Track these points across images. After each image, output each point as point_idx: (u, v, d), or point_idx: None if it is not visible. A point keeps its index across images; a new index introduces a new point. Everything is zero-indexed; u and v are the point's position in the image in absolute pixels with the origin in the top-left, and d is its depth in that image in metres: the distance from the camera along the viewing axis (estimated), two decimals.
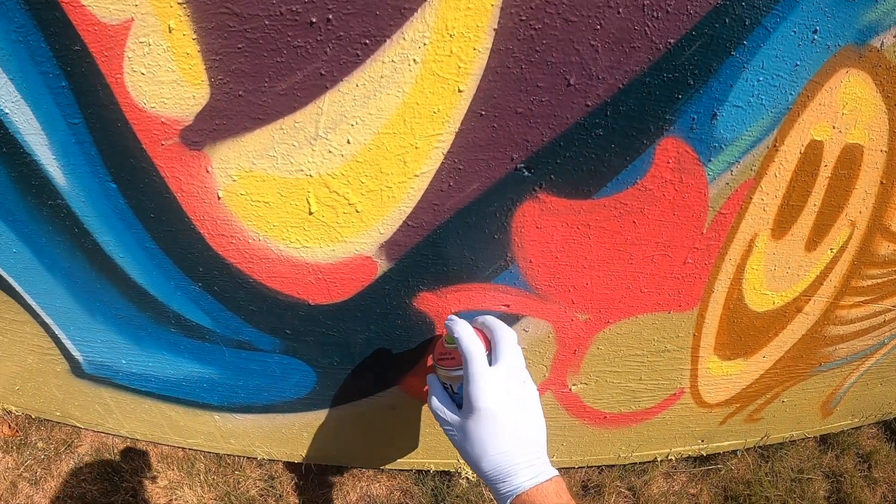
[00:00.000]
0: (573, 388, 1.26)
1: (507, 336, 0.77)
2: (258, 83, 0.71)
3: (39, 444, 1.48)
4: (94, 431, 1.49)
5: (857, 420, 1.78)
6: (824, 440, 1.83)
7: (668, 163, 0.92)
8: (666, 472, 1.65)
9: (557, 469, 0.78)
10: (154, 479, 1.48)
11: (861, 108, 0.99)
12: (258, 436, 1.40)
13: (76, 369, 1.26)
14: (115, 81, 0.74)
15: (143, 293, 1.03)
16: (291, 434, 1.39)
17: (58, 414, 1.45)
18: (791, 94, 0.92)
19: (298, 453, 1.48)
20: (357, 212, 0.85)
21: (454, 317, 0.82)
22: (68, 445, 1.49)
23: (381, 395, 1.25)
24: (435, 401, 0.80)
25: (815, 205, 1.07)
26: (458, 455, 1.22)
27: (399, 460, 1.51)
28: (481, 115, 0.77)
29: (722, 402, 1.43)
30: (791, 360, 1.38)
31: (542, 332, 1.14)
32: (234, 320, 1.06)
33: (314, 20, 0.66)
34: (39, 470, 1.45)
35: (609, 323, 1.13)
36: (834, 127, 0.98)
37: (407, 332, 1.10)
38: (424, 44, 0.69)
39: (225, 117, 0.76)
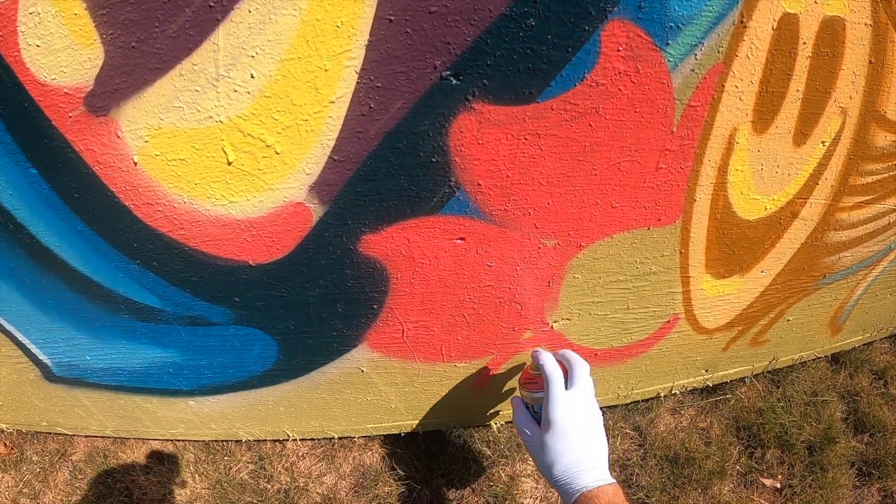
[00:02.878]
0: (554, 325, 1.17)
1: (581, 366, 0.92)
2: (149, 29, 0.66)
3: (35, 458, 1.46)
4: (83, 436, 1.48)
5: (868, 335, 1.68)
6: (836, 359, 1.74)
7: (619, 50, 0.81)
8: (672, 407, 1.57)
9: None
10: (147, 474, 1.45)
11: None
12: (237, 416, 1.36)
13: (47, 374, 1.22)
14: (14, 60, 0.70)
15: (87, 281, 0.98)
16: (268, 410, 1.33)
17: (44, 424, 1.41)
18: None
19: (281, 430, 1.44)
20: (277, 153, 0.78)
21: (540, 349, 0.97)
22: (62, 455, 1.47)
23: (348, 358, 1.18)
24: (519, 417, 0.95)
25: (798, 90, 0.96)
26: (448, 415, 1.37)
27: (385, 424, 1.44)
28: (390, 20, 0.69)
29: (722, 326, 1.33)
30: (792, 274, 1.27)
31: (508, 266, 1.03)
32: (181, 295, 1.00)
33: None
34: (37, 484, 1.44)
35: (581, 247, 1.03)
36: None
37: (359, 283, 1.01)
38: None
39: (123, 73, 0.71)
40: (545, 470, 0.87)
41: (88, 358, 1.15)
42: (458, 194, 0.90)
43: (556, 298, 1.12)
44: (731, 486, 1.49)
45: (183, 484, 1.43)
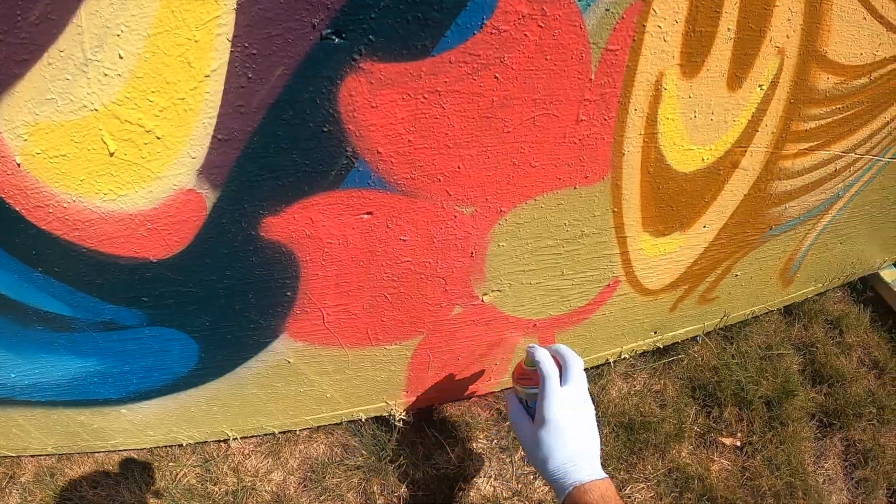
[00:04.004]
0: (485, 297, 1.08)
1: (575, 363, 0.92)
2: (10, 20, 0.60)
3: None
4: (29, 457, 1.41)
5: (820, 285, 1.64)
6: (789, 311, 1.70)
7: None
8: (623, 372, 1.51)
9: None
10: (94, 488, 1.38)
11: None
12: (172, 421, 1.29)
13: None
14: None
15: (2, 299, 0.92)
16: (202, 411, 1.27)
17: None
18: None
19: (220, 430, 1.37)
20: (158, 138, 0.72)
21: (534, 344, 0.96)
22: (10, 478, 1.39)
23: (272, 350, 1.11)
24: (513, 413, 0.95)
25: (729, 29, 0.87)
26: (388, 398, 1.35)
27: (324, 415, 1.37)
28: None
29: (667, 286, 1.26)
30: (737, 227, 1.20)
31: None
32: (89, 300, 0.94)
33: None
34: None
35: (502, 213, 0.94)
36: None
37: (268, 270, 0.94)
38: None
39: None
40: (539, 464, 0.87)
41: (13, 375, 1.09)
42: (357, 165, 0.81)
43: (482, 270, 1.03)
44: (690, 447, 1.45)
45: (131, 494, 1.37)
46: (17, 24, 0.61)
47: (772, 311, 1.67)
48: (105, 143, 0.72)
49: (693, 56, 0.87)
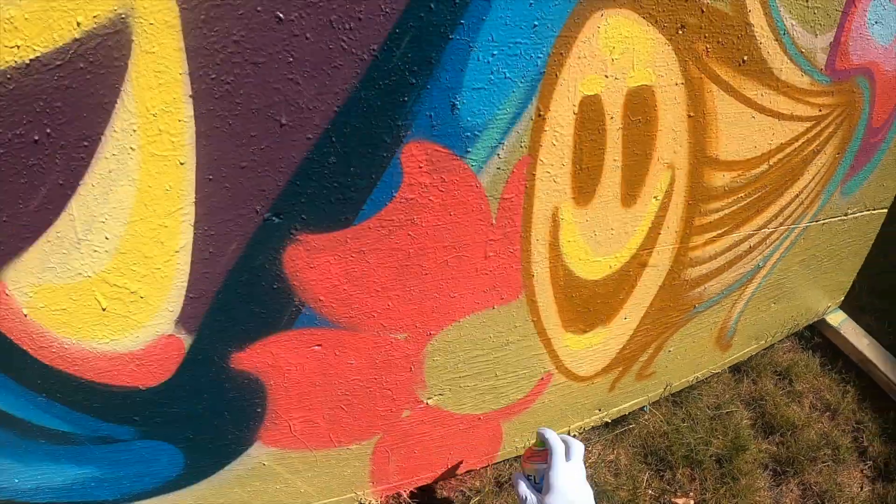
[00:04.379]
0: (429, 401, 1.19)
1: (578, 446, 1.01)
2: (14, 206, 0.73)
3: None
4: None
5: (762, 342, 1.74)
6: (737, 369, 1.79)
7: (420, 167, 0.85)
8: (583, 438, 1.59)
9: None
10: None
11: (635, 48, 0.90)
12: None
13: None
14: None
15: (4, 415, 1.01)
16: None
17: None
18: (539, 58, 0.83)
19: None
20: (141, 297, 0.86)
21: (545, 428, 1.04)
22: None
23: (248, 455, 1.22)
24: (521, 488, 1.02)
25: (615, 160, 0.99)
26: (356, 489, 1.42)
27: None
28: (210, 179, 0.77)
29: (600, 371, 1.36)
30: (659, 313, 1.31)
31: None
32: (87, 420, 1.04)
33: (37, 137, 0.68)
34: None
35: (431, 335, 1.05)
36: (606, 76, 0.90)
37: (240, 393, 1.06)
38: (134, 130, 0.71)
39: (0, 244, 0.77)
40: None
41: (17, 481, 1.16)
42: (304, 311, 0.95)
43: (422, 380, 1.14)
44: None
45: None
46: (20, 210, 0.73)
47: (718, 372, 1.75)
48: (98, 300, 0.85)
49: (584, 189, 0.99)
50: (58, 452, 1.10)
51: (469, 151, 0.85)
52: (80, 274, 0.81)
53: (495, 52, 0.80)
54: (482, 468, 1.53)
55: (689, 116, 1.03)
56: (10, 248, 0.77)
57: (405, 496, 1.51)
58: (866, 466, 1.64)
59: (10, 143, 0.68)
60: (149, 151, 0.73)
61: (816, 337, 1.93)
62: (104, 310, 0.85)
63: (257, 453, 1.21)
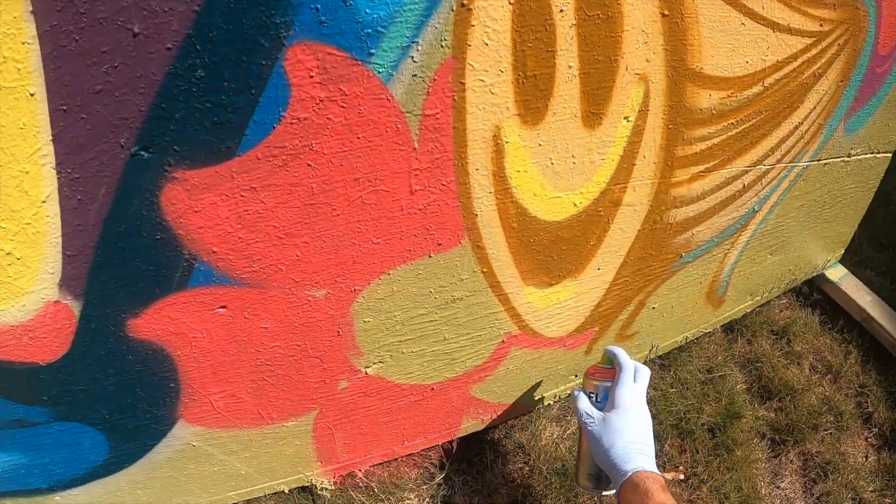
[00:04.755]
0: (368, 370, 1.02)
1: (646, 370, 0.99)
2: None
3: None
4: None
5: (758, 298, 1.57)
6: (730, 328, 1.64)
7: (311, 76, 0.68)
8: (556, 416, 1.45)
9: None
10: None
11: None
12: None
13: None
14: None
15: None
16: (126, 494, 1.26)
17: None
18: None
19: None
20: (18, 259, 0.76)
21: (613, 346, 1.02)
22: None
23: (174, 436, 1.12)
24: (582, 403, 0.98)
25: (570, 66, 0.81)
26: (303, 469, 1.31)
27: (244, 490, 1.32)
28: (64, 111, 0.66)
29: (572, 331, 1.19)
30: (639, 262, 1.14)
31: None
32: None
33: None
34: None
35: (357, 291, 0.88)
36: None
37: (146, 366, 0.95)
38: None
39: None
40: (604, 449, 0.91)
41: None
42: (198, 266, 0.82)
43: (354, 345, 0.97)
44: None
45: None
46: None
47: (709, 332, 1.59)
48: None
49: (532, 104, 0.81)
50: None
51: (372, 54, 0.68)
52: None
53: None
54: (446, 443, 1.37)
55: (664, 15, 0.85)
56: None
57: (360, 475, 1.35)
58: (871, 434, 1.51)
59: None
60: None
61: (815, 293, 1.77)
62: None
63: (183, 433, 1.11)
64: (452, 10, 0.69)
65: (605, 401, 0.98)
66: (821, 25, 1.09)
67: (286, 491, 1.36)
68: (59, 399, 0.99)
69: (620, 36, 0.83)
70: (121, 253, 0.78)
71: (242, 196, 0.75)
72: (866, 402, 1.54)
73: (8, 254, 0.75)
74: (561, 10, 0.75)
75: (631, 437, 0.89)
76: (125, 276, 0.81)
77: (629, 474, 0.84)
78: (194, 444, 1.13)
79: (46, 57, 0.62)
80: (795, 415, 1.49)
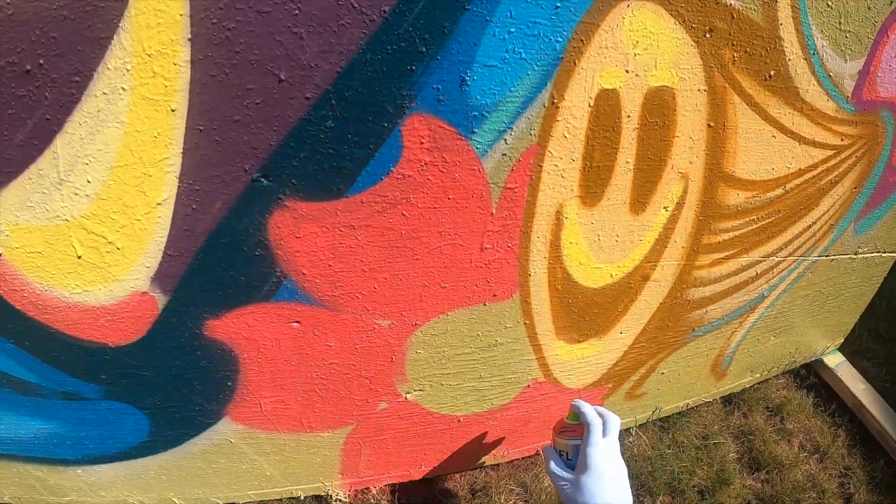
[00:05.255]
0: (408, 395, 1.14)
1: (615, 421, 0.95)
2: None
3: None
4: None
5: (758, 375, 1.69)
6: (728, 400, 1.74)
7: (422, 143, 0.81)
8: None
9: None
10: None
11: (659, 46, 0.86)
12: (123, 485, 1.34)
13: None
14: None
15: None
16: (151, 478, 1.32)
17: None
18: (558, 42, 0.79)
19: (167, 497, 1.39)
20: (118, 249, 0.83)
21: (579, 400, 1.00)
22: None
23: (215, 430, 1.19)
24: (553, 464, 0.97)
25: (627, 162, 0.94)
26: (324, 479, 1.39)
27: (265, 490, 1.40)
28: (200, 130, 0.74)
29: (588, 385, 1.31)
30: (656, 331, 1.26)
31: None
32: (53, 372, 1.02)
33: (29, 67, 0.66)
34: None
35: (417, 325, 1.00)
36: (627, 71, 0.85)
37: (211, 363, 1.02)
38: (128, 69, 0.68)
39: None
40: None
41: None
42: (286, 283, 0.92)
43: (402, 372, 1.09)
44: None
45: None
46: (3, 143, 0.71)
47: (709, 401, 1.70)
48: (74, 247, 0.82)
49: (592, 188, 0.94)
50: (23, 403, 1.08)
51: (475, 132, 0.81)
52: (58, 217, 0.79)
53: (512, 30, 0.76)
54: (457, 473, 1.48)
55: (709, 126, 0.99)
56: None
57: (374, 492, 1.45)
58: None
59: (1, 71, 0.66)
60: (140, 94, 0.70)
61: (812, 376, 1.88)
62: (79, 258, 0.83)
63: (224, 429, 1.18)
64: (544, 107, 0.83)
65: (576, 458, 0.95)
66: (842, 140, 1.23)
67: (301, 497, 1.43)
68: (117, 380, 1.05)
69: (672, 140, 0.97)
70: (219, 261, 0.87)
71: (341, 231, 0.87)
72: (849, 484, 1.62)
73: (110, 242, 0.83)
74: (628, 116, 0.90)
75: (605, 497, 0.87)
76: (217, 282, 0.90)
77: None
78: (232, 440, 1.21)
79: (195, 81, 0.70)
80: (781, 487, 1.58)
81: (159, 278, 0.88)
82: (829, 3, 0.96)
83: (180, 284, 0.89)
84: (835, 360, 1.87)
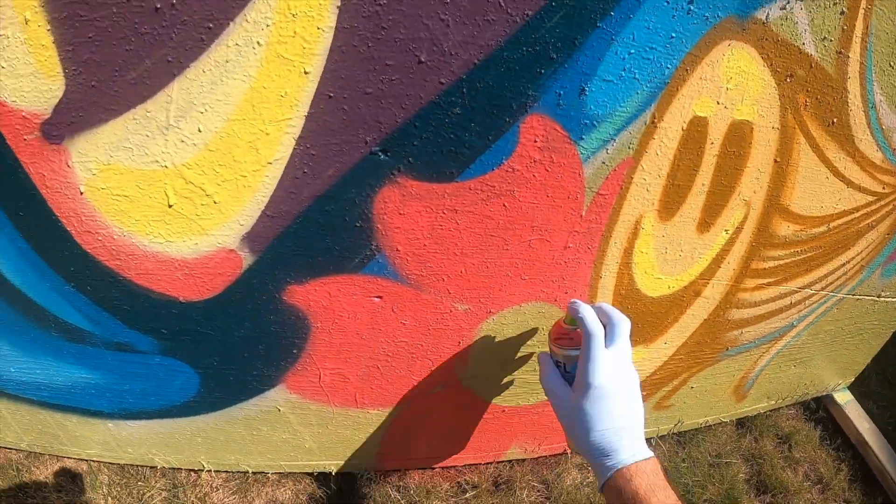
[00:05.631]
0: (463, 382, 1.20)
1: (622, 322, 0.83)
2: (109, 73, 0.69)
3: None
4: None
5: (773, 402, 1.77)
6: (742, 423, 1.81)
7: (536, 141, 0.87)
8: (579, 463, 1.61)
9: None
10: (59, 492, 1.42)
11: (747, 83, 0.93)
12: (154, 443, 1.36)
13: None
14: None
15: (20, 296, 0.99)
16: (185, 439, 1.34)
17: None
18: (667, 68, 0.86)
19: (196, 460, 1.44)
20: (215, 203, 0.83)
21: (577, 300, 0.87)
22: None
23: (266, 397, 1.21)
24: (548, 378, 0.87)
25: (703, 184, 1.02)
26: (361, 458, 1.40)
27: (299, 462, 1.45)
28: (330, 97, 0.74)
29: None
30: (695, 346, 1.34)
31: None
32: (111, 321, 1.02)
33: (159, 6, 0.64)
34: None
35: (491, 313, 1.07)
36: (718, 102, 0.93)
37: (281, 328, 1.05)
38: (267, 25, 0.67)
39: (80, 109, 0.74)
40: (578, 439, 0.79)
41: (13, 370, 1.15)
42: (377, 257, 0.95)
43: (466, 358, 1.15)
44: None
45: None
46: (113, 78, 0.71)
47: (725, 422, 1.78)
48: (167, 195, 0.83)
49: (670, 204, 1.02)
50: (67, 350, 1.09)
51: (583, 139, 0.88)
52: (156, 162, 0.79)
53: (632, 51, 0.83)
54: (484, 464, 1.54)
55: (776, 161, 1.07)
56: (91, 116, 0.74)
57: (402, 475, 1.51)
58: None
59: (127, 5, 0.64)
60: (276, 52, 0.69)
61: (821, 410, 1.96)
62: (170, 206, 0.84)
63: (276, 397, 1.21)
64: (645, 124, 0.90)
65: (574, 371, 0.84)
66: (883, 188, 1.32)
67: (333, 473, 1.48)
68: (178, 336, 1.06)
69: (743, 170, 1.04)
70: (318, 228, 0.89)
71: (444, 214, 0.91)
72: None
73: (208, 195, 0.83)
74: (711, 143, 0.98)
75: (609, 423, 0.76)
76: (310, 248, 0.92)
77: (611, 473, 0.74)
78: (281, 409, 1.24)
79: (334, 48, 0.69)
80: None
81: (251, 238, 0.89)
82: (892, 63, 1.05)
83: (271, 246, 0.90)
84: (844, 398, 1.94)
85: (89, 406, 1.25)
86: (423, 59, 0.74)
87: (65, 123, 0.76)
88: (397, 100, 0.77)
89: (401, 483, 1.51)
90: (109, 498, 1.43)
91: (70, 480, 1.45)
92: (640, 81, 0.86)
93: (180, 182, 0.82)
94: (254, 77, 0.71)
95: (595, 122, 0.88)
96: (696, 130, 0.95)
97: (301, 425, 1.32)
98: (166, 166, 0.80)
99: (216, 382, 1.18)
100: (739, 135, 0.99)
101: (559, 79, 0.82)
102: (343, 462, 1.46)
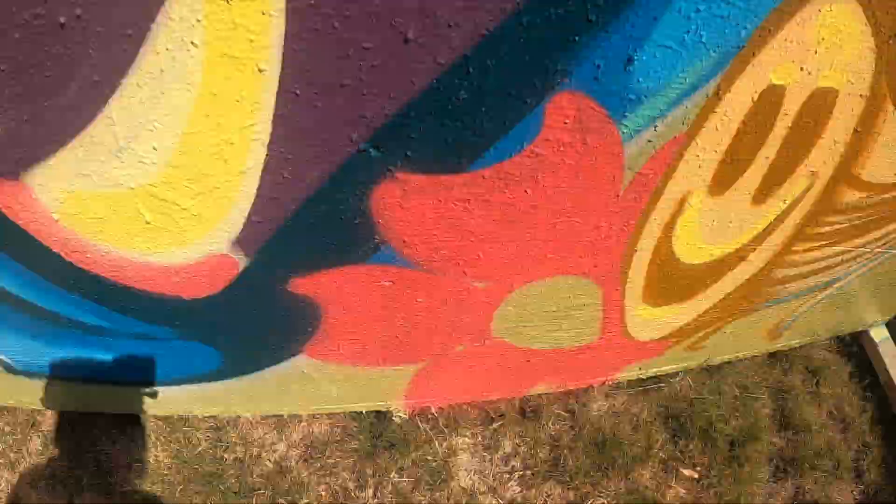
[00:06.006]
0: (486, 341, 1.17)
1: None
2: (37, 103, 0.62)
3: (7, 429, 1.50)
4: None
5: (808, 339, 1.72)
6: (773, 353, 1.77)
7: (565, 123, 0.73)
8: (606, 392, 1.62)
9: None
10: (113, 444, 1.50)
11: (842, 45, 0.76)
12: (191, 400, 1.41)
13: (9, 369, 1.23)
14: None
15: (32, 306, 0.98)
16: (220, 397, 1.38)
17: (11, 401, 1.44)
18: (746, 28, 0.69)
19: (232, 411, 1.49)
20: (194, 215, 0.77)
21: None
22: (32, 425, 1.51)
23: (290, 364, 1.21)
24: None
25: (766, 157, 0.90)
26: (388, 399, 1.41)
27: (330, 407, 1.50)
28: (296, 95, 0.62)
29: (656, 339, 1.34)
30: (734, 301, 1.27)
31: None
32: (123, 319, 1.01)
33: (63, 20, 0.54)
34: (12, 454, 1.48)
35: (514, 287, 1.01)
36: (802, 68, 0.77)
37: (293, 313, 1.01)
38: (198, 20, 0.55)
39: (22, 145, 0.67)
40: None
41: (45, 360, 1.18)
42: (383, 248, 0.87)
43: (488, 325, 1.12)
44: (652, 472, 1.56)
45: (147, 453, 1.50)
46: (44, 108, 0.62)
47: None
48: (141, 213, 0.76)
49: (723, 180, 0.91)
50: (91, 342, 1.09)
51: (626, 116, 0.74)
52: (120, 184, 0.72)
53: (701, 8, 0.65)
54: (512, 398, 1.54)
55: (856, 131, 0.92)
56: (36, 150, 0.68)
57: (433, 410, 1.53)
58: (858, 490, 1.65)
59: (27, 26, 0.54)
60: (218, 50, 0.57)
61: (855, 345, 1.88)
62: (148, 223, 0.78)
63: (299, 363, 1.20)
64: (707, 97, 0.75)
65: None
66: None
67: (363, 412, 1.52)
68: (189, 325, 1.05)
69: (815, 143, 0.90)
70: (312, 228, 0.81)
71: (454, 205, 0.81)
72: (863, 459, 1.68)
73: (184, 209, 0.76)
74: (785, 114, 0.84)
75: None
76: (308, 246, 0.85)
77: None
78: (305, 370, 1.24)
79: (291, 35, 0.56)
80: (803, 451, 1.64)
81: (241, 242, 0.82)
82: None
83: (265, 248, 0.84)
84: (880, 334, 1.86)
85: (118, 376, 1.27)
86: (410, 37, 0.59)
87: (13, 161, 0.69)
88: (383, 89, 0.63)
89: (430, 415, 1.54)
90: (159, 444, 1.51)
91: (121, 431, 1.52)
92: (706, 46, 0.69)
93: (152, 200, 0.74)
94: (198, 83, 0.61)
95: (643, 97, 0.73)
96: (768, 102, 0.80)
97: (327, 382, 1.33)
98: (132, 187, 0.72)
99: (237, 357, 1.18)
100: (819, 104, 0.83)
101: (599, 47, 0.64)
102: (371, 403, 1.49)
